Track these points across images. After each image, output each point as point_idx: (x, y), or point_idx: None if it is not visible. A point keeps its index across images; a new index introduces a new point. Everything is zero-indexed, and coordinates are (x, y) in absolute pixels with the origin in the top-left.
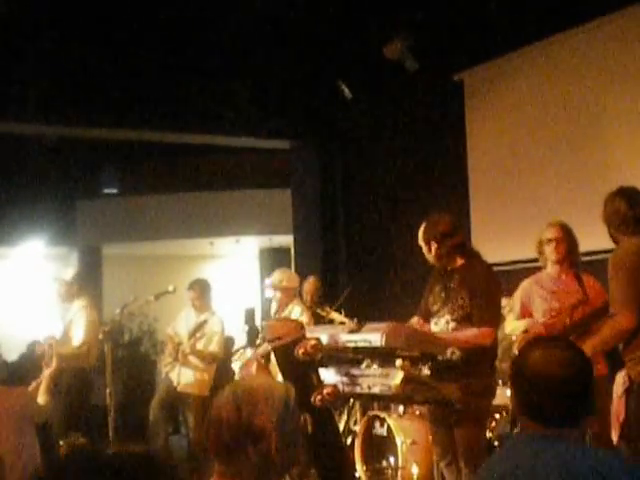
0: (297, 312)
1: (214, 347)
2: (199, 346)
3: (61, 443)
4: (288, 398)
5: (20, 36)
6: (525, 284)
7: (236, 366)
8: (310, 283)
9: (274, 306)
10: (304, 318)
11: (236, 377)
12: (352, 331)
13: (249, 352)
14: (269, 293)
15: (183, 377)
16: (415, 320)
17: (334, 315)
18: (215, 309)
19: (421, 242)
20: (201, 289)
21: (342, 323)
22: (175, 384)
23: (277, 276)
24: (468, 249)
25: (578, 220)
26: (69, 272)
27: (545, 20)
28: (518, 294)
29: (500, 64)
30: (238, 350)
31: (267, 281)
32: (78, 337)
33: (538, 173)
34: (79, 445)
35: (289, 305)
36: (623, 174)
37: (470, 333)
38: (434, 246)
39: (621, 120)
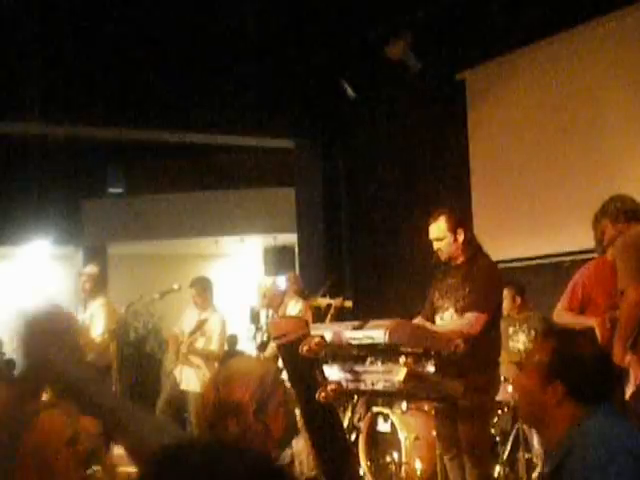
0: (292, 304)
1: (214, 346)
2: (199, 345)
3: None
4: (266, 373)
5: (25, 36)
6: (587, 272)
7: None
8: (289, 278)
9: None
10: (299, 306)
11: None
12: (356, 328)
13: (270, 350)
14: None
15: (185, 376)
16: (418, 320)
17: (319, 301)
18: (217, 307)
19: (444, 233)
20: (202, 287)
21: (329, 305)
22: (178, 382)
23: (260, 296)
24: (475, 243)
25: (580, 218)
26: (93, 268)
27: (546, 19)
28: (578, 280)
29: (502, 63)
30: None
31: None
32: (97, 333)
33: (540, 171)
34: None
35: (281, 306)
36: (624, 171)
37: (458, 322)
38: (461, 233)
39: (622, 118)
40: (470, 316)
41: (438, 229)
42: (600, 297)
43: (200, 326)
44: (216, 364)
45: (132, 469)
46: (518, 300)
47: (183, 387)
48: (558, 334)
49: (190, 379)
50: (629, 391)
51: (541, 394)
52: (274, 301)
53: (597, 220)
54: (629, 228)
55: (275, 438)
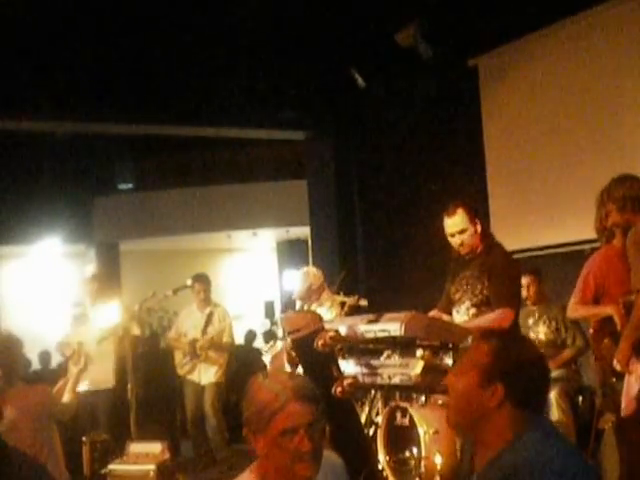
0: (327, 306)
1: (227, 338)
2: (214, 338)
3: (84, 439)
4: (273, 400)
5: (33, 33)
6: (597, 262)
7: (267, 359)
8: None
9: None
10: (334, 310)
11: (268, 368)
12: (371, 321)
13: (280, 344)
14: (300, 303)
15: (204, 372)
16: (434, 313)
17: (335, 297)
18: (218, 301)
19: (466, 225)
20: (208, 282)
21: (343, 303)
22: (197, 382)
23: (304, 284)
24: (488, 235)
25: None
26: (89, 270)
27: (559, 3)
28: (589, 272)
29: (514, 48)
30: (270, 344)
31: (295, 294)
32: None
33: (556, 157)
34: (101, 441)
35: (316, 303)
36: None
37: (488, 318)
38: (479, 224)
39: (637, 101)
40: (500, 312)
41: (460, 222)
42: (613, 287)
43: (209, 321)
44: (226, 355)
45: (149, 467)
46: (533, 289)
47: (204, 383)
48: (500, 335)
49: (210, 373)
50: (626, 404)
51: (480, 396)
52: (315, 294)
53: (602, 202)
54: (637, 218)
55: (277, 468)
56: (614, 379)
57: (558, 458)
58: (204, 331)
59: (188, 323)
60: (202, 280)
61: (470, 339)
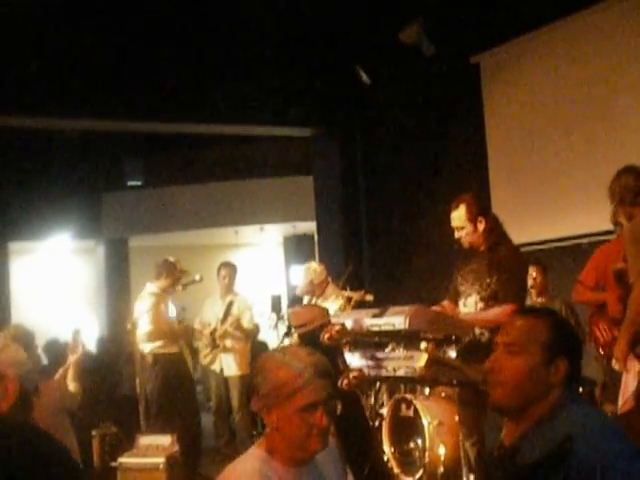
0: (332, 299)
1: (247, 324)
2: (230, 327)
3: (93, 433)
4: (291, 378)
5: (42, 30)
6: (599, 252)
7: None
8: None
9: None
10: (339, 303)
11: None
12: (376, 315)
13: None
14: (306, 297)
15: (225, 363)
16: (445, 304)
17: (341, 291)
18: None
19: (464, 222)
20: (235, 270)
21: (350, 298)
22: (219, 372)
23: (306, 279)
24: (498, 230)
25: (597, 200)
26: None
27: (560, 1)
28: (593, 262)
29: (516, 46)
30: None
31: (298, 289)
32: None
33: (557, 153)
34: (111, 434)
35: (321, 297)
36: None
37: (493, 312)
38: (482, 222)
39: (637, 97)
40: (507, 308)
41: (459, 218)
42: (613, 278)
43: (228, 310)
44: (249, 344)
45: (159, 459)
46: (539, 279)
47: (226, 374)
48: (546, 311)
49: (230, 364)
50: (624, 401)
51: (544, 374)
52: (318, 289)
53: (611, 197)
54: (634, 210)
55: (290, 441)
56: (604, 361)
57: (608, 422)
58: (223, 320)
59: (210, 312)
60: (229, 266)
61: (478, 332)
